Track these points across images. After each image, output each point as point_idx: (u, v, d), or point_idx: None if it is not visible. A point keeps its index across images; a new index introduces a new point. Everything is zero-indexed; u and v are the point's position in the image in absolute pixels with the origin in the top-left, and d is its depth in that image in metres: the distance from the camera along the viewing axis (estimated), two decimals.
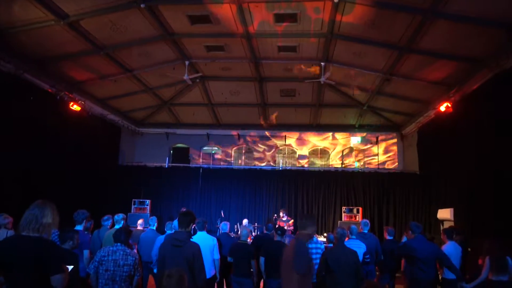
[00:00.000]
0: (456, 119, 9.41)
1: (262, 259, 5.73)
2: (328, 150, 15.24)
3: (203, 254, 4.09)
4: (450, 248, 5.77)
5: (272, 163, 15.15)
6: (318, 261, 5.58)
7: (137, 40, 9.42)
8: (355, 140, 14.76)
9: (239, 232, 8.08)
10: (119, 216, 6.75)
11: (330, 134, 14.98)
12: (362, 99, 12.79)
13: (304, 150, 15.31)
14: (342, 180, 13.45)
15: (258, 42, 9.76)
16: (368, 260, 6.12)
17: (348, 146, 14.90)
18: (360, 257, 5.45)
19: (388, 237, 7.16)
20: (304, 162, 15.21)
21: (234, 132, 15.31)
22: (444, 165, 10.35)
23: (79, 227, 5.45)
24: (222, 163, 15.33)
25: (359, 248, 5.78)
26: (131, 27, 8.72)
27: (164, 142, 15.56)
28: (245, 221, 11.26)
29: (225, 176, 14.00)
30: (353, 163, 14.91)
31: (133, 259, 4.27)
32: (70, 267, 3.87)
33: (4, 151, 8.32)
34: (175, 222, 6.09)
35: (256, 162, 15.33)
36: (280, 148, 15.51)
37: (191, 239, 4.15)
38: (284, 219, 11.07)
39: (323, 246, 6.29)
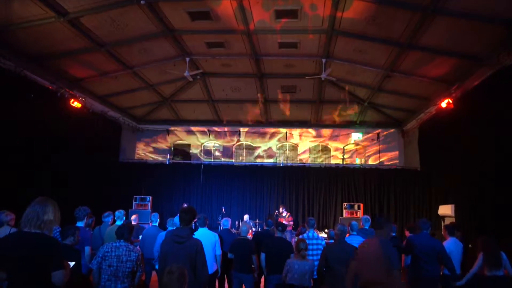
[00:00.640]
0: (457, 115, 9.40)
1: (263, 255, 5.74)
2: (329, 146, 15.25)
3: (205, 251, 4.10)
4: (451, 244, 5.79)
5: (273, 160, 15.17)
6: (318, 257, 5.61)
7: (137, 37, 9.40)
8: (356, 136, 14.74)
9: (240, 229, 8.10)
10: (120, 213, 6.81)
11: (331, 130, 14.98)
12: (363, 95, 12.78)
13: (305, 146, 15.31)
14: (343, 177, 13.47)
15: (258, 39, 9.74)
16: None
17: (349, 142, 14.89)
18: None
19: None
20: (305, 158, 15.22)
21: (235, 129, 15.34)
22: (445, 161, 10.35)
23: (80, 224, 5.48)
24: (223, 159, 15.36)
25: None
26: (131, 23, 8.71)
27: (164, 138, 15.62)
28: (246, 217, 11.30)
29: (226, 173, 14.03)
30: (354, 159, 14.91)
31: (136, 255, 4.29)
32: (72, 264, 3.90)
33: (5, 148, 8.34)
34: (176, 219, 6.11)
35: (257, 159, 15.35)
36: (281, 144, 15.53)
37: (193, 236, 4.16)
38: (284, 214, 11.11)
39: (324, 242, 6.31)
